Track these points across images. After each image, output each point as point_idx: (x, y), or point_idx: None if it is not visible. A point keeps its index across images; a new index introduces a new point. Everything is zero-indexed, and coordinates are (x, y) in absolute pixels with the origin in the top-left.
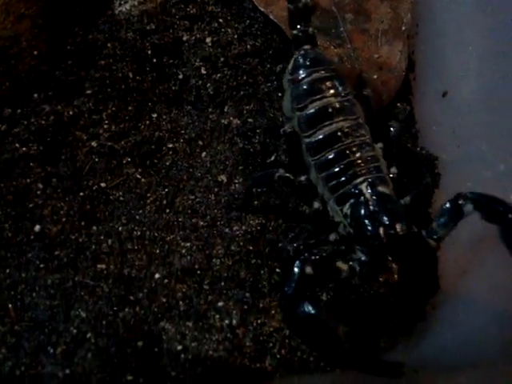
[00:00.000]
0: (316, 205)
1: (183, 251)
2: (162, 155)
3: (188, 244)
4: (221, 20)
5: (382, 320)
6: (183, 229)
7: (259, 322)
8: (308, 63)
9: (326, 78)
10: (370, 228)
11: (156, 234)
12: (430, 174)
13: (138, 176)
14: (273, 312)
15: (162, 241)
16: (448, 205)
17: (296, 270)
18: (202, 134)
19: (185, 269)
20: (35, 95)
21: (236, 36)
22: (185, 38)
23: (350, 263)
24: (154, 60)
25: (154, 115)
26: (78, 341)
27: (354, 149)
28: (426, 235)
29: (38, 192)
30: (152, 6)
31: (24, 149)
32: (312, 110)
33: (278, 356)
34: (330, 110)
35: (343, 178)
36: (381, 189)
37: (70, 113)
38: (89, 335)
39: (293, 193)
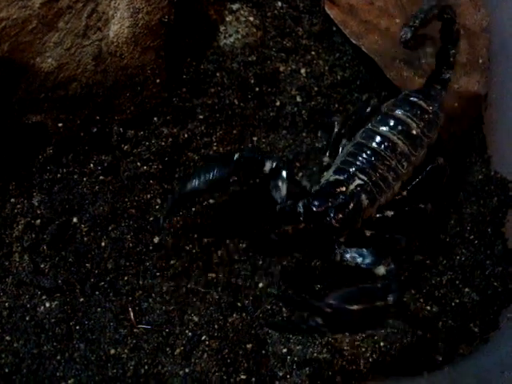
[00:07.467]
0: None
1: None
2: None
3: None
4: (313, 53)
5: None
6: None
7: None
8: (426, 93)
9: (426, 111)
10: (318, 197)
11: None
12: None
13: None
14: None
15: None
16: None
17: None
18: (298, 155)
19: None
20: (155, 119)
21: (327, 67)
22: (281, 69)
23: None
24: (257, 89)
25: (255, 138)
26: (193, 343)
27: (387, 163)
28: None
29: (157, 206)
30: (253, 39)
31: (145, 167)
32: (394, 114)
33: (371, 359)
34: (404, 127)
35: (358, 162)
36: (362, 197)
37: (185, 135)
38: (203, 338)
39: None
